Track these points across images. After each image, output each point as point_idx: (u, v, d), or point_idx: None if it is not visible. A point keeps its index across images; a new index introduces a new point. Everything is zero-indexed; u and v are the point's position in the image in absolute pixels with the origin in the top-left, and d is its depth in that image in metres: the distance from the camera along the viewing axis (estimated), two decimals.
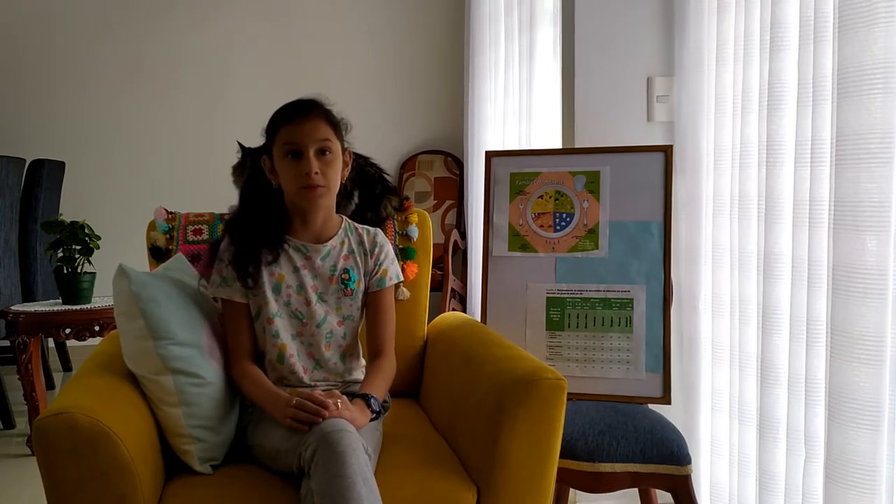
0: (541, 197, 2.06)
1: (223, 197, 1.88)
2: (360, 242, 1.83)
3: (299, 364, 1.74)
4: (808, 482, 1.61)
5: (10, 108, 4.56)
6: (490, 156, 2.15)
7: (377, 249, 1.83)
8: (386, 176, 2.16)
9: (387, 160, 2.27)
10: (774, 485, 1.77)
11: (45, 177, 3.97)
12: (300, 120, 1.69)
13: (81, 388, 1.55)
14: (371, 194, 2.10)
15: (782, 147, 1.74)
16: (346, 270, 1.78)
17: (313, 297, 1.75)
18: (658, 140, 2.35)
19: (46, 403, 3.06)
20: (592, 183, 2.03)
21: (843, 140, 1.44)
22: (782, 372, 1.74)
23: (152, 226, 2.05)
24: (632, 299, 1.98)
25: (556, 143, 2.59)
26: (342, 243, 1.80)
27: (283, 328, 1.73)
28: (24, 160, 3.84)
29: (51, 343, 4.17)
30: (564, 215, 2.03)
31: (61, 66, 4.61)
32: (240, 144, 2.10)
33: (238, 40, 4.70)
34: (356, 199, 2.09)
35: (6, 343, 3.62)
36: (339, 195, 1.89)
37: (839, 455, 1.45)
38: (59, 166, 4.25)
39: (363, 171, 2.11)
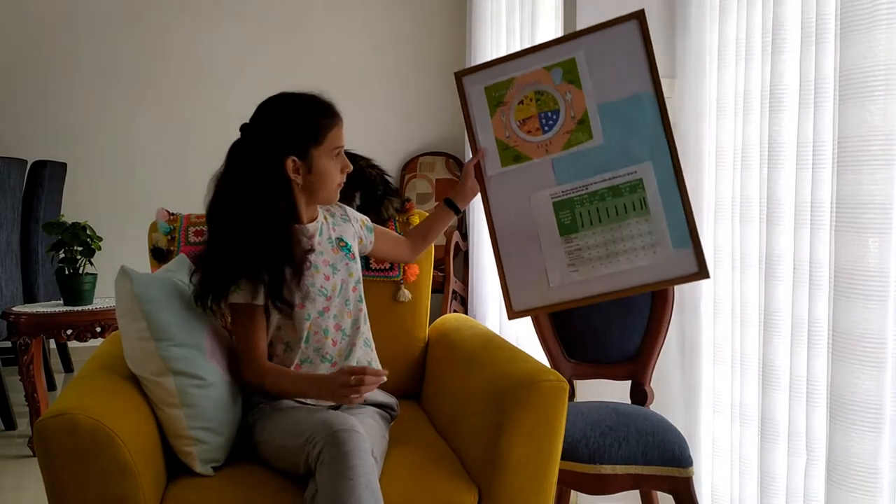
0: (521, 102, 1.90)
1: None
2: (333, 214, 1.87)
3: (328, 339, 1.75)
4: (810, 484, 1.61)
5: (12, 109, 4.56)
6: (460, 76, 1.97)
7: (348, 212, 1.90)
8: (387, 178, 2.16)
9: (388, 162, 2.26)
10: (776, 487, 1.77)
11: (46, 178, 3.98)
12: (341, 120, 1.75)
13: (83, 390, 1.55)
14: (373, 196, 2.10)
15: (783, 149, 1.74)
16: (340, 238, 1.82)
17: (329, 270, 1.76)
18: None
19: (48, 404, 3.06)
20: (570, 72, 1.86)
21: (844, 142, 1.44)
22: (783, 374, 1.74)
23: (154, 227, 2.05)
24: (640, 179, 1.81)
25: None
26: (325, 218, 1.83)
27: (312, 310, 1.73)
28: (25, 161, 3.84)
29: (52, 344, 4.17)
30: (549, 113, 1.87)
31: (63, 68, 4.61)
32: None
33: (240, 42, 4.71)
34: (358, 201, 2.09)
35: (8, 344, 3.62)
36: (340, 197, 1.88)
37: (840, 457, 1.45)
38: (61, 167, 4.25)
39: (365, 172, 2.11)
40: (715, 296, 2.09)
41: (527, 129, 1.89)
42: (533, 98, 1.88)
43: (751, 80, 1.89)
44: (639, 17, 1.84)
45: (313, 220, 1.78)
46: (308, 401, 1.70)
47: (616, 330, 2.15)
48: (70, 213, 3.77)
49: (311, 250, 1.73)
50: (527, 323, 2.34)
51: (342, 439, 1.42)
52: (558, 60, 1.86)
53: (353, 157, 2.12)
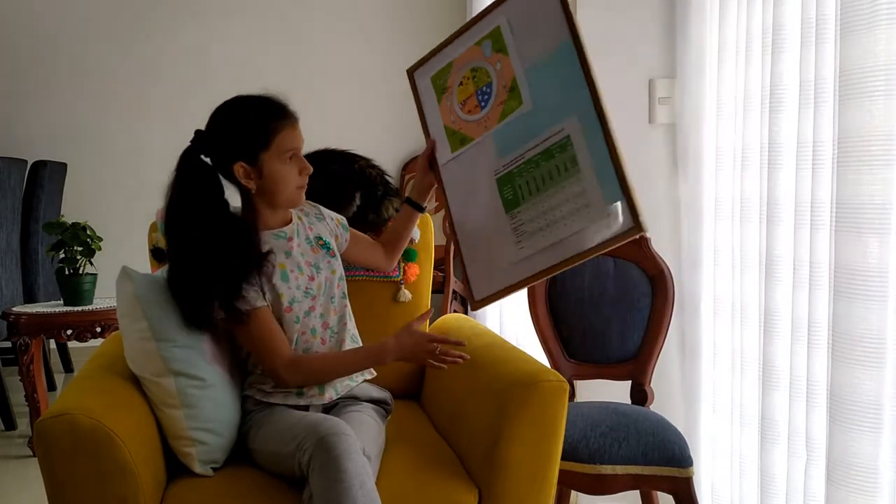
0: (461, 84, 1.81)
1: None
2: (307, 214, 1.85)
3: (317, 338, 1.74)
4: (810, 485, 1.61)
5: (13, 109, 4.57)
6: (411, 72, 1.92)
7: (321, 211, 1.89)
8: (388, 178, 2.16)
9: (388, 162, 2.27)
10: (775, 487, 1.77)
11: (46, 178, 3.98)
12: (293, 122, 1.69)
13: (83, 390, 1.55)
14: (373, 196, 2.10)
15: (783, 149, 1.74)
16: (318, 237, 1.81)
17: (312, 271, 1.76)
18: (661, 143, 2.35)
19: (48, 405, 3.06)
20: (497, 41, 1.76)
21: (844, 142, 1.44)
22: (783, 374, 1.74)
23: (154, 227, 2.05)
24: (568, 136, 1.64)
25: None
26: (299, 218, 1.82)
27: (300, 311, 1.72)
28: (25, 161, 3.84)
29: (52, 344, 4.17)
30: (484, 88, 1.77)
31: (63, 68, 4.61)
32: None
33: (240, 42, 4.71)
34: (358, 201, 2.09)
35: (8, 344, 3.62)
36: (340, 197, 1.88)
37: (840, 457, 1.45)
38: (61, 168, 4.26)
39: (365, 172, 2.11)
40: (715, 296, 2.09)
41: (467, 108, 1.80)
42: (470, 77, 1.80)
43: (751, 80, 1.89)
44: None
45: (287, 223, 1.77)
46: (300, 402, 1.70)
47: (616, 330, 2.15)
48: (70, 213, 3.78)
49: (270, 252, 1.68)
50: (527, 323, 2.34)
51: (331, 444, 1.41)
52: (486, 32, 1.77)
53: (352, 157, 2.12)
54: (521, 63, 1.72)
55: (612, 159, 1.58)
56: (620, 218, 1.55)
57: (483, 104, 1.77)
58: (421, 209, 1.93)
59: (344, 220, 1.92)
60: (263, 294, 1.67)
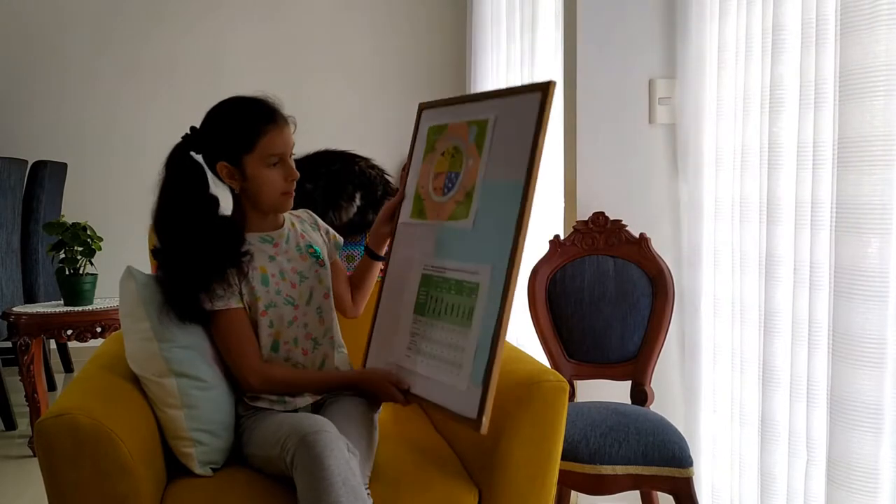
0: (443, 153, 1.66)
1: (224, 199, 1.86)
2: (302, 221, 1.85)
3: (298, 348, 1.73)
4: (810, 485, 1.61)
5: (13, 109, 4.57)
6: (422, 108, 1.81)
7: (318, 221, 1.88)
8: (388, 177, 2.16)
9: (388, 162, 2.27)
10: (776, 488, 1.77)
11: (47, 178, 3.98)
12: (280, 126, 1.68)
13: (83, 390, 1.55)
14: (373, 196, 2.11)
15: (783, 149, 1.74)
16: (309, 245, 1.79)
17: (297, 279, 1.75)
18: (661, 144, 2.35)
19: (48, 405, 3.06)
20: (480, 135, 1.58)
21: (844, 142, 1.44)
22: (783, 374, 1.75)
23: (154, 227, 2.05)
24: (478, 284, 1.47)
25: (558, 144, 2.58)
26: (292, 224, 1.81)
27: (276, 318, 1.72)
28: (26, 161, 3.84)
29: (52, 344, 4.17)
30: (453, 175, 1.61)
31: (64, 68, 4.61)
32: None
33: (238, 41, 4.71)
34: (358, 201, 2.09)
35: (8, 344, 3.63)
36: (340, 197, 1.87)
37: (840, 458, 1.45)
38: (62, 168, 4.26)
39: (365, 173, 2.12)
40: (715, 296, 2.09)
41: (435, 185, 1.66)
42: (451, 153, 1.65)
43: (751, 81, 1.89)
44: (543, 89, 1.46)
45: (277, 228, 1.76)
46: (286, 409, 1.69)
47: (616, 330, 2.15)
48: (70, 213, 3.77)
49: (246, 253, 1.67)
50: (527, 323, 2.34)
51: (312, 441, 1.41)
52: (478, 118, 1.60)
53: (353, 157, 2.13)
54: (484, 173, 1.55)
55: (493, 340, 1.40)
56: (470, 402, 1.42)
57: (447, 190, 1.63)
58: (378, 258, 1.88)
59: (340, 240, 1.90)
60: (241, 296, 1.68)
